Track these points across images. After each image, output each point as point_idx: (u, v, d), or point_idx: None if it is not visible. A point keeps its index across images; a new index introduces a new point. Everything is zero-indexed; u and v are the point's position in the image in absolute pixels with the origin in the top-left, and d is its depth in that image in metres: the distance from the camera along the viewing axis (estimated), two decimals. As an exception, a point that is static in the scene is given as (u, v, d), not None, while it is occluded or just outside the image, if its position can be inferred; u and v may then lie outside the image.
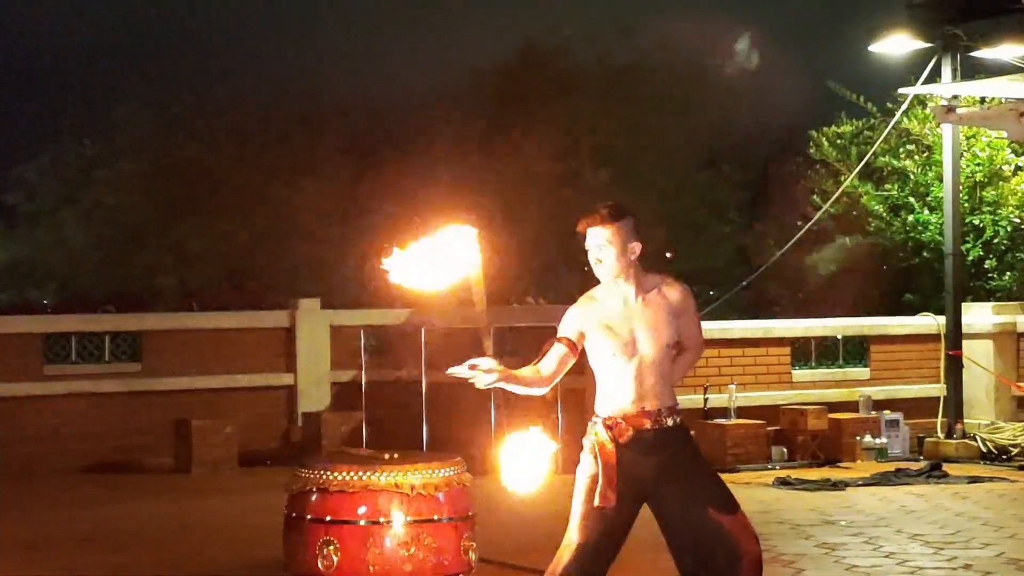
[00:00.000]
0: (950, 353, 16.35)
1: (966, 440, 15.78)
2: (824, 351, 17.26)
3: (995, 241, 19.82)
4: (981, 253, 19.82)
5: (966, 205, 19.02)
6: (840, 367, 17.21)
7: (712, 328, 16.05)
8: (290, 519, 6.75)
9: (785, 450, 15.28)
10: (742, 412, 15.37)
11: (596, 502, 5.77)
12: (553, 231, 24.00)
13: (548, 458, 5.76)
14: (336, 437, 15.72)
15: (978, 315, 17.11)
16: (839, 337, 17.29)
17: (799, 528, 11.04)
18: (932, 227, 19.81)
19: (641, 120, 27.78)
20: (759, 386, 16.19)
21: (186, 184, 27.12)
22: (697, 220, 27.28)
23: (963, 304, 16.79)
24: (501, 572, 8.96)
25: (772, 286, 23.17)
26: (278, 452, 15.91)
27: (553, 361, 5.92)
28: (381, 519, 6.52)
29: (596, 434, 5.90)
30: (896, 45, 16.76)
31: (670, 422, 5.95)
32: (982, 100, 17.50)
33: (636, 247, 5.93)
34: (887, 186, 20.66)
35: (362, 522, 6.52)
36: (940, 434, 16.12)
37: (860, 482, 13.72)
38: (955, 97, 16.48)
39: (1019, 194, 19.57)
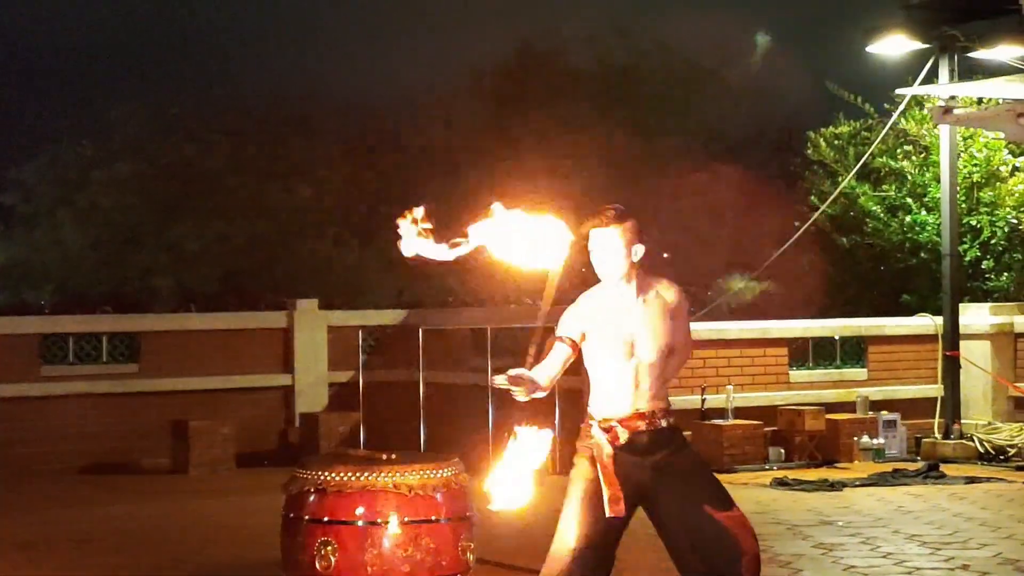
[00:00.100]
0: (947, 354, 16.36)
1: (963, 441, 15.78)
2: (821, 352, 17.28)
3: (992, 242, 19.83)
4: (978, 254, 19.83)
5: (963, 206, 19.04)
6: (837, 368, 17.22)
7: (709, 329, 16.07)
8: (288, 519, 6.75)
9: (782, 451, 15.28)
10: (739, 413, 15.37)
11: (608, 513, 5.79)
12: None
13: (535, 470, 5.75)
14: (334, 438, 15.73)
15: (975, 316, 17.12)
16: (836, 338, 17.30)
17: (796, 529, 11.04)
18: (929, 228, 19.82)
19: (639, 121, 27.79)
20: (756, 387, 16.20)
21: (183, 185, 27.12)
22: (694, 221, 27.27)
23: (960, 305, 16.80)
24: (499, 573, 8.96)
25: (770, 286, 23.18)
26: (276, 453, 15.92)
27: (558, 363, 5.94)
28: (379, 520, 6.52)
29: (595, 441, 5.90)
30: (893, 46, 16.78)
31: (664, 423, 5.96)
32: (979, 101, 17.52)
33: (639, 249, 5.96)
34: (884, 187, 20.67)
35: (360, 523, 6.52)
36: (937, 435, 16.13)
37: (857, 482, 13.72)
38: (952, 98, 16.49)
39: (1016, 195, 19.58)
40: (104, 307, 24.01)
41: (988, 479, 14.01)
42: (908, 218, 20.28)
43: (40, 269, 28.61)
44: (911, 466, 14.79)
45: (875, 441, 15.52)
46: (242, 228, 26.70)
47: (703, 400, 15.37)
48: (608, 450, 5.86)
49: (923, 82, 16.52)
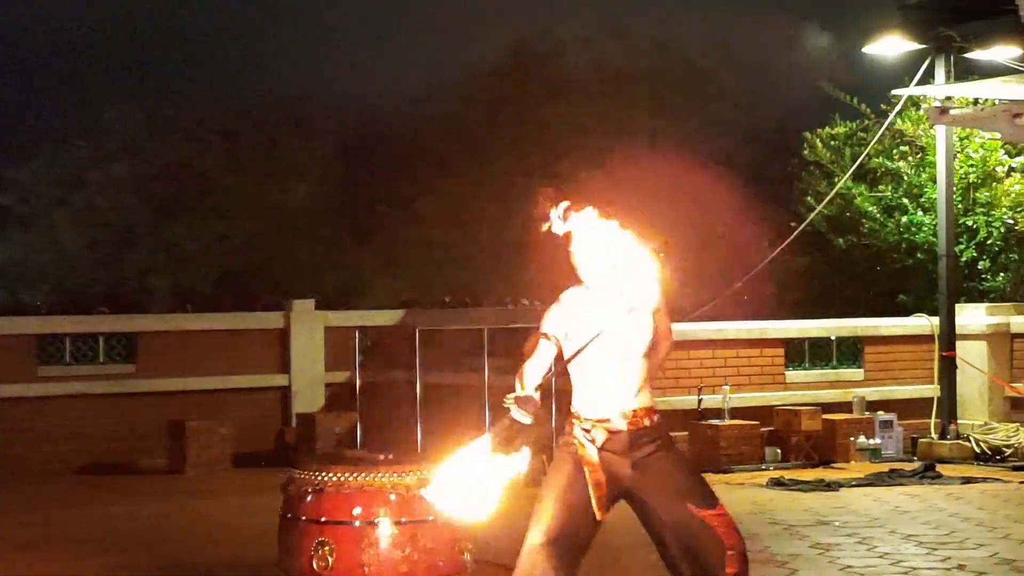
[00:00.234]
0: (944, 354, 16.37)
1: (960, 441, 15.80)
2: (818, 352, 17.28)
3: (988, 242, 19.85)
4: (975, 254, 19.84)
5: (960, 206, 19.04)
6: (834, 368, 17.23)
7: (706, 329, 16.09)
8: (285, 520, 6.76)
9: (779, 451, 15.29)
10: (736, 413, 15.38)
11: (597, 517, 5.81)
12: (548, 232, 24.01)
13: (502, 480, 5.74)
14: (330, 438, 15.73)
15: (972, 316, 17.13)
16: (833, 338, 17.31)
17: (793, 529, 11.05)
18: (926, 228, 19.83)
19: (635, 122, 27.80)
20: (753, 387, 16.21)
21: (180, 185, 27.13)
22: (690, 221, 27.28)
23: (957, 305, 16.81)
24: (495, 573, 8.96)
25: (767, 286, 23.19)
26: (272, 453, 15.92)
27: (547, 363, 5.95)
28: (376, 520, 6.53)
29: (577, 441, 5.92)
30: (890, 46, 16.79)
31: (647, 422, 5.97)
32: (975, 101, 17.52)
33: (619, 250, 5.97)
34: (881, 187, 20.68)
35: (357, 523, 6.53)
36: (934, 435, 16.14)
37: (854, 483, 13.73)
38: (948, 98, 16.50)
39: (1012, 195, 19.59)
40: (100, 307, 23.99)
41: (984, 479, 14.02)
42: (904, 218, 20.29)
43: (37, 269, 28.61)
44: (907, 466, 14.80)
45: (871, 441, 15.53)
46: (239, 228, 26.72)
47: (700, 400, 15.38)
48: (592, 451, 5.88)
49: (919, 83, 16.53)
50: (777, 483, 13.66)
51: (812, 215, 19.13)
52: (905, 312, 18.50)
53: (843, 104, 21.51)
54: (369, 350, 17.26)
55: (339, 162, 28.08)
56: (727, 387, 15.46)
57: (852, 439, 15.47)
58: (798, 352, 17.06)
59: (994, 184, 19.76)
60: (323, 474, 6.64)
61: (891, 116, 18.59)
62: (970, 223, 19.69)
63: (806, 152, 21.82)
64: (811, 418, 15.56)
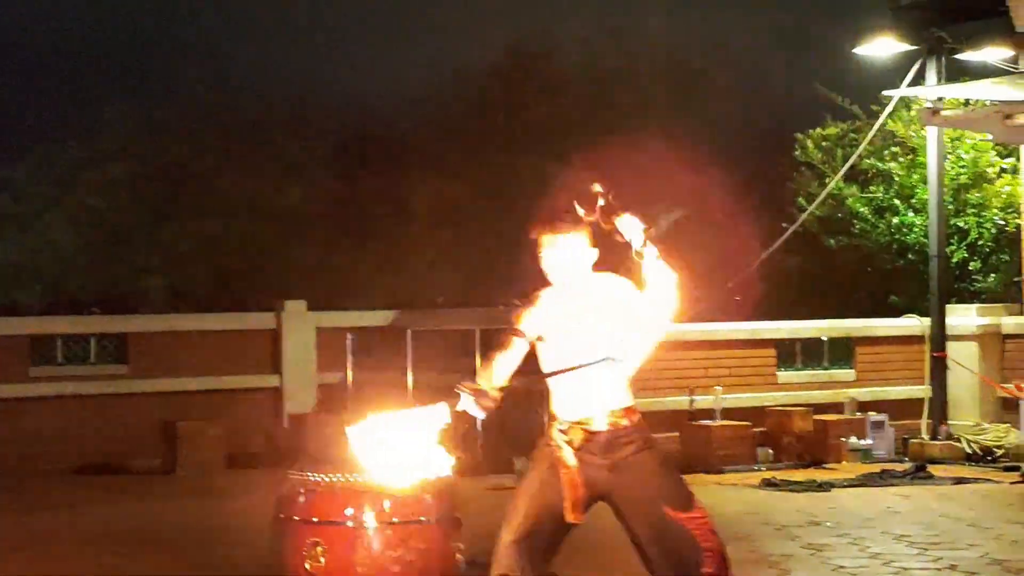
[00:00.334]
0: (935, 355, 16.40)
1: (951, 441, 15.82)
2: (809, 353, 17.31)
3: (979, 243, 19.90)
4: (966, 255, 19.90)
5: (951, 207, 19.09)
6: (825, 369, 17.26)
7: (698, 329, 16.11)
8: (278, 520, 6.75)
9: (771, 451, 15.31)
10: (728, 414, 15.40)
11: (567, 519, 5.83)
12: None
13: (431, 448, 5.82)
14: (322, 439, 15.70)
15: (963, 317, 17.16)
16: (824, 339, 17.34)
17: (785, 529, 11.07)
18: (917, 229, 19.87)
19: (627, 123, 27.81)
20: (745, 388, 16.25)
21: (173, 186, 27.12)
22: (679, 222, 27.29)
23: (948, 306, 16.84)
24: (487, 575, 8.97)
25: (759, 287, 23.19)
26: (264, 454, 15.90)
27: (517, 360, 5.97)
28: (369, 520, 6.53)
29: (555, 443, 5.93)
30: (881, 47, 16.82)
31: (625, 422, 5.97)
32: (966, 103, 17.56)
33: (590, 254, 5.96)
34: (872, 188, 20.73)
35: (349, 523, 6.53)
36: (925, 435, 16.17)
37: (845, 483, 13.76)
38: (940, 99, 16.53)
39: (1003, 196, 19.64)
40: (93, 308, 23.99)
41: (976, 480, 14.05)
42: (896, 219, 20.33)
43: (29, 270, 28.60)
44: (899, 467, 14.82)
45: (863, 442, 15.55)
46: (233, 229, 26.70)
47: (692, 401, 15.40)
48: (569, 452, 5.88)
49: (911, 84, 16.56)
50: (769, 484, 13.68)
51: (804, 216, 19.16)
52: (896, 313, 18.53)
53: (835, 105, 21.55)
54: (361, 351, 17.25)
55: (334, 163, 28.09)
56: (719, 388, 15.48)
57: (844, 440, 15.49)
58: (790, 353, 17.10)
59: (985, 185, 19.81)
60: (316, 474, 6.64)
61: (882, 117, 18.61)
62: (961, 224, 19.74)
63: (797, 153, 21.87)
64: (803, 419, 15.58)
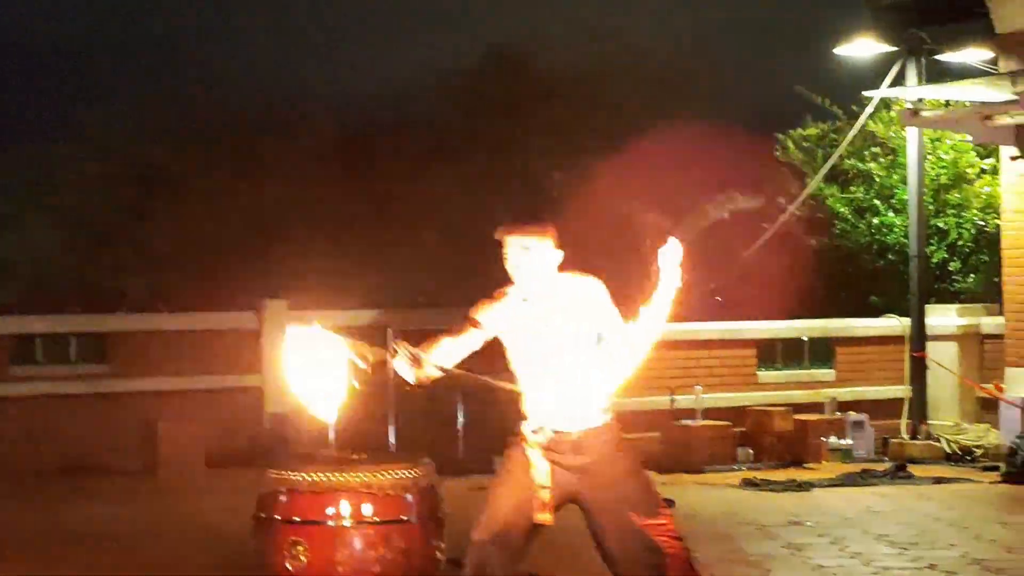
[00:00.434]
0: (915, 355, 16.45)
1: (930, 441, 15.87)
2: (790, 352, 17.34)
3: (959, 243, 19.95)
4: (945, 255, 19.95)
5: (931, 208, 19.14)
6: (806, 368, 17.30)
7: (678, 329, 16.10)
8: (259, 520, 6.75)
9: (751, 451, 15.34)
10: (708, 413, 15.43)
11: (535, 519, 5.84)
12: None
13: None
14: (304, 438, 15.67)
15: (942, 317, 17.21)
16: (804, 339, 17.37)
17: (766, 529, 11.09)
18: (897, 229, 19.92)
19: (609, 122, 27.84)
20: (725, 387, 16.27)
21: (153, 186, 27.06)
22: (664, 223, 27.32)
23: (927, 306, 16.88)
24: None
25: (739, 287, 23.23)
26: (246, 453, 15.87)
27: (466, 346, 5.99)
28: (350, 520, 6.53)
29: (527, 444, 5.93)
30: (861, 48, 16.86)
31: (597, 423, 5.96)
32: (946, 103, 17.61)
33: (555, 256, 5.95)
34: (852, 188, 20.77)
35: (331, 523, 6.53)
36: (905, 435, 16.21)
37: (826, 483, 13.79)
38: (920, 100, 16.58)
39: (983, 197, 19.69)
40: (73, 307, 23.91)
41: (955, 480, 14.10)
42: (876, 220, 20.38)
43: (9, 270, 28.51)
44: (879, 467, 14.87)
45: (843, 442, 15.59)
46: (213, 228, 26.65)
47: (672, 401, 15.42)
48: (538, 455, 5.88)
49: (891, 84, 16.61)
50: (749, 483, 13.71)
51: (784, 216, 19.19)
52: (876, 313, 18.57)
53: (815, 105, 21.60)
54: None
55: (316, 162, 28.05)
56: (699, 387, 15.50)
57: (824, 439, 15.53)
58: (770, 353, 17.12)
59: (965, 186, 19.87)
60: (298, 474, 6.64)
61: (863, 118, 18.65)
62: (941, 224, 19.80)
63: (778, 153, 21.90)
64: (783, 418, 15.61)
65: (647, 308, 6.02)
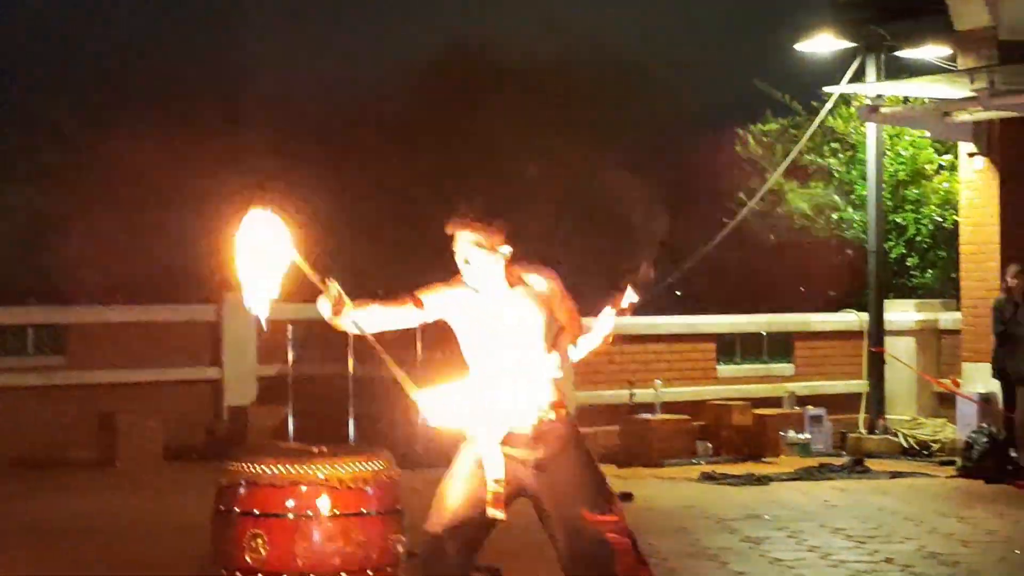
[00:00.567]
0: (873, 349, 16.53)
1: (888, 436, 15.96)
2: (749, 347, 17.40)
3: (918, 239, 20.06)
4: (904, 251, 20.05)
5: (889, 203, 19.23)
6: (764, 363, 17.35)
7: (637, 323, 16.16)
8: (218, 512, 6.73)
9: (710, 445, 15.39)
10: (667, 407, 15.47)
11: (488, 513, 5.83)
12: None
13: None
14: (262, 431, 15.65)
15: (900, 312, 17.30)
16: (764, 333, 17.43)
17: (724, 522, 11.13)
18: (856, 225, 20.01)
19: (570, 117, 27.86)
20: (684, 381, 16.31)
21: (109, 177, 26.91)
22: (623, 216, 27.37)
23: (886, 301, 16.97)
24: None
25: (699, 282, 23.32)
26: (204, 446, 15.83)
27: (395, 315, 6.00)
28: (309, 512, 6.52)
29: (480, 439, 5.92)
30: (821, 44, 16.92)
31: (552, 417, 5.94)
32: (906, 100, 17.71)
33: (505, 250, 5.92)
34: (812, 184, 20.84)
35: (290, 515, 6.52)
36: (863, 430, 16.30)
37: (784, 477, 13.85)
38: (879, 96, 16.66)
39: (941, 192, 19.80)
40: (29, 299, 23.76)
41: (912, 474, 14.18)
42: (835, 215, 20.46)
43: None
44: (836, 461, 14.93)
45: (801, 436, 15.65)
46: (172, 220, 26.53)
47: (632, 394, 15.44)
48: (492, 450, 5.87)
49: (851, 81, 16.68)
50: (708, 477, 13.76)
51: (744, 211, 19.26)
52: (835, 308, 18.65)
53: (775, 101, 21.67)
54: (302, 343, 17.18)
55: (272, 154, 27.95)
56: (658, 381, 15.54)
57: (782, 434, 15.59)
58: (729, 347, 17.17)
59: (923, 182, 19.97)
60: (256, 467, 6.62)
61: (823, 113, 18.73)
62: (899, 220, 19.89)
63: (738, 148, 21.97)
64: (742, 413, 15.66)
65: (576, 343, 6.08)
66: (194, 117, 28.10)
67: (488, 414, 5.93)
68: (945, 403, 16.55)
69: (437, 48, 29.38)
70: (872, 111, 16.17)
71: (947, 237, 19.58)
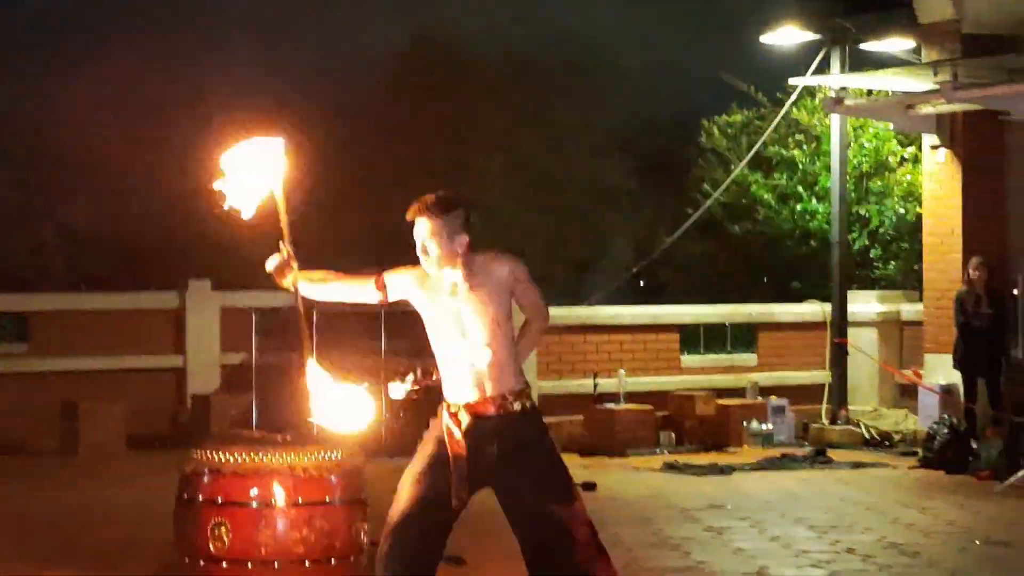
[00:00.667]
0: (836, 341, 16.59)
1: (850, 427, 16.02)
2: (712, 337, 17.45)
3: (881, 231, 20.15)
4: (867, 243, 20.14)
5: (853, 195, 19.31)
6: (728, 353, 17.41)
7: (602, 314, 16.21)
8: (182, 501, 6.73)
9: (673, 435, 15.42)
10: (631, 397, 15.50)
11: (453, 503, 5.83)
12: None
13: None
14: (225, 419, 15.61)
15: (863, 303, 17.37)
16: (727, 324, 17.48)
17: (687, 512, 11.16)
18: (819, 216, 20.09)
19: (536, 109, 27.88)
20: (648, 371, 16.35)
21: (69, 163, 26.79)
22: (588, 207, 27.41)
23: (848, 292, 17.03)
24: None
25: (663, 272, 23.39)
26: (167, 434, 15.78)
27: (352, 289, 6.10)
28: (273, 501, 6.53)
29: (444, 425, 5.92)
30: (786, 36, 16.96)
31: (517, 407, 5.92)
32: (870, 92, 17.78)
33: (463, 239, 5.92)
34: (776, 175, 20.91)
35: (254, 504, 6.53)
36: (825, 420, 16.36)
37: (746, 467, 13.90)
38: (843, 89, 16.71)
39: (904, 185, 19.89)
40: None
41: (874, 464, 14.24)
42: (799, 207, 20.54)
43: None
44: (799, 451, 14.99)
45: (764, 426, 15.70)
46: (135, 207, 26.45)
47: (596, 384, 15.47)
48: (457, 435, 5.87)
49: (815, 73, 16.74)
50: (671, 467, 13.80)
51: (708, 202, 19.31)
52: (798, 299, 18.72)
53: (740, 92, 21.72)
54: (266, 331, 17.15)
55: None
56: (622, 371, 15.57)
57: (745, 424, 15.64)
58: (693, 337, 17.21)
59: (887, 174, 20.06)
60: (220, 455, 6.63)
61: (787, 105, 18.79)
62: (863, 212, 19.98)
63: (703, 139, 22.02)
64: (705, 403, 15.71)
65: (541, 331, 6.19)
66: (163, 105, 27.99)
67: (454, 400, 5.94)
68: (907, 394, 16.62)
69: (406, 40, 29.33)
70: (836, 103, 16.23)
71: (910, 229, 19.68)
